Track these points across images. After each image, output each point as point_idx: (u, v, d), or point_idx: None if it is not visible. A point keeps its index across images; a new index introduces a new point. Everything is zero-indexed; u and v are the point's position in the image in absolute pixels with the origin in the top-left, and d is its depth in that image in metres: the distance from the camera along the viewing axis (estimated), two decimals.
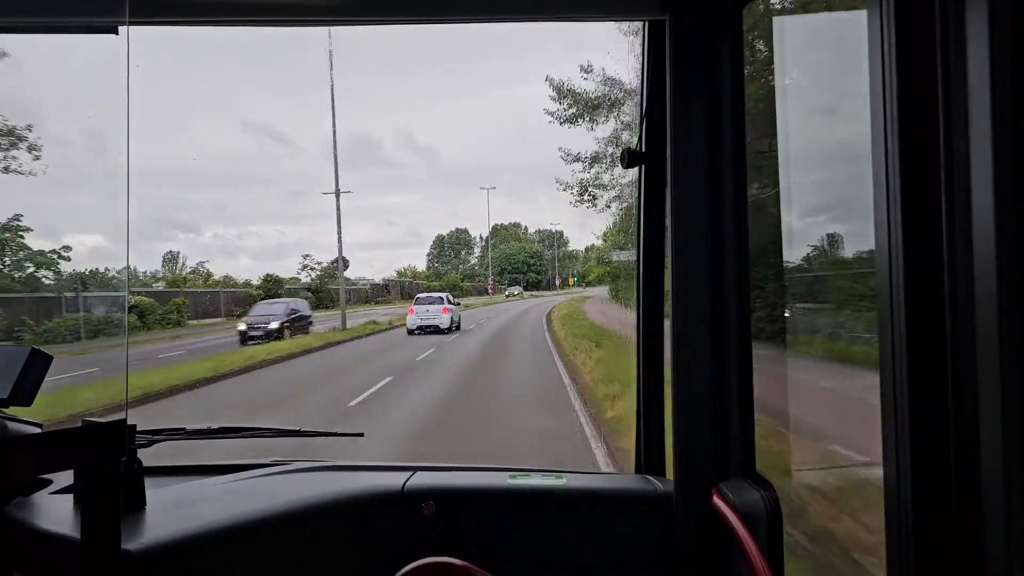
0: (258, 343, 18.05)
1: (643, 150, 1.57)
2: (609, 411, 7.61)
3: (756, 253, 1.44)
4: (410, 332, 19.91)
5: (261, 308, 22.09)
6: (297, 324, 20.83)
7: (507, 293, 56.62)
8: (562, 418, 8.04)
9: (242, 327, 19.63)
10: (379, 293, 52.18)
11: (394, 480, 1.54)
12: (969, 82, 0.60)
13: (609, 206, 14.12)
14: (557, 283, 70.60)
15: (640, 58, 1.57)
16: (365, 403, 9.05)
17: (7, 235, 19.93)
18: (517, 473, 1.60)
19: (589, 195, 13.99)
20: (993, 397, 0.58)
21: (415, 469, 1.62)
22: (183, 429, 1.56)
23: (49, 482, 1.34)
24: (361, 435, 1.96)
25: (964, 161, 0.61)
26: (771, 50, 1.77)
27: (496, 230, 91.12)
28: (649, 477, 1.59)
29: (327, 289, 40.68)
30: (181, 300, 27.16)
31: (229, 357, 14.43)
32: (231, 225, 78.18)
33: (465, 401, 9.56)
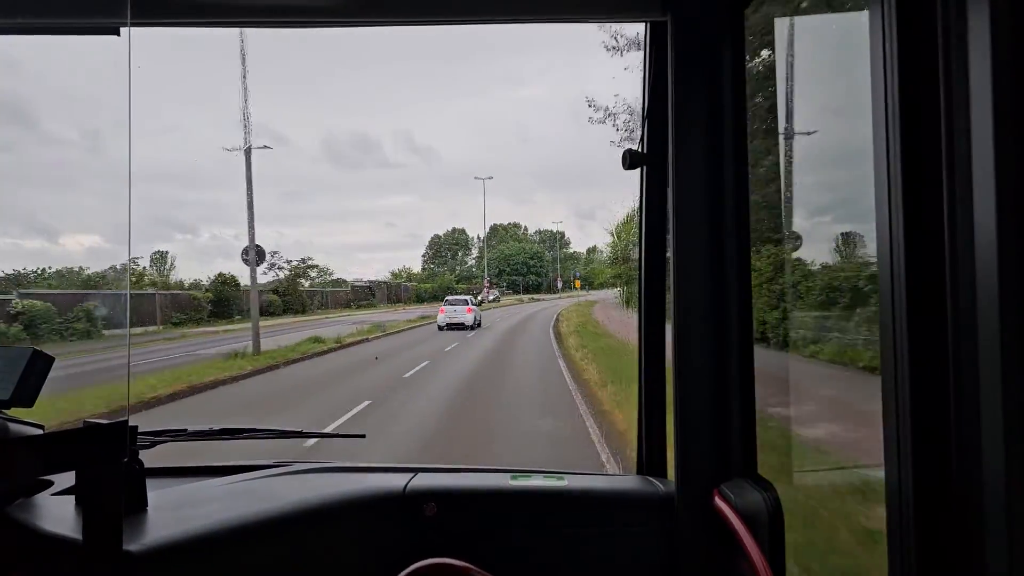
0: None
1: (644, 151, 1.58)
2: None
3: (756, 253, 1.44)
4: (440, 328, 23.40)
5: None
6: None
7: (480, 298, 45.27)
8: None
9: None
10: (361, 296, 47.42)
11: (396, 481, 1.54)
12: (971, 83, 0.60)
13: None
14: (559, 286, 69.75)
15: (642, 60, 1.58)
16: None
17: None
18: (519, 474, 1.60)
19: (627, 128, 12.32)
20: (994, 398, 0.58)
21: (417, 470, 1.62)
22: (185, 430, 1.56)
23: (51, 483, 1.33)
24: (363, 436, 1.97)
25: (966, 163, 0.61)
26: (772, 51, 1.79)
27: (494, 230, 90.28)
28: (650, 478, 1.59)
29: (297, 291, 37.46)
30: (92, 304, 20.97)
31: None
32: (228, 226, 77.97)
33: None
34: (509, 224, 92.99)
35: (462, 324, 23.39)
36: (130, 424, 1.15)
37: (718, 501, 1.29)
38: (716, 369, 1.33)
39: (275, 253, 40.47)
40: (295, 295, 37.22)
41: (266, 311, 32.82)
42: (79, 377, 10.69)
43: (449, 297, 28.34)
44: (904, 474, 0.68)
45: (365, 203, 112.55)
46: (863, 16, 0.74)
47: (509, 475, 1.59)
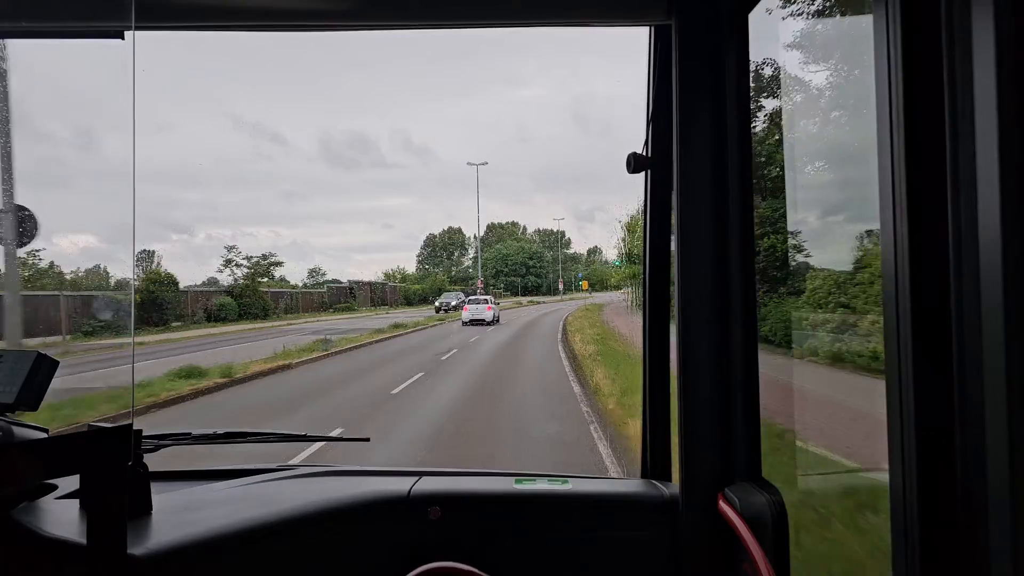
0: None
1: (649, 155, 1.57)
2: None
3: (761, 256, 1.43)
4: (464, 324, 26.51)
5: None
6: None
7: (439, 302, 41.56)
8: None
9: None
10: (339, 298, 41.66)
11: (400, 485, 1.55)
12: (975, 84, 0.60)
13: None
14: (560, 287, 65.54)
15: (647, 63, 1.57)
16: None
17: None
18: (523, 478, 1.60)
19: None
20: (999, 400, 0.58)
21: (421, 474, 1.62)
22: (189, 434, 1.56)
23: (55, 487, 1.34)
24: (367, 440, 1.98)
25: (970, 163, 0.61)
26: (776, 55, 1.81)
27: (492, 229, 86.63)
28: (655, 482, 1.59)
29: (256, 293, 31.24)
30: None
31: None
32: (225, 226, 75.08)
33: None
34: (507, 223, 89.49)
35: (482, 320, 26.97)
36: (134, 428, 1.15)
37: (722, 504, 1.29)
38: (720, 372, 1.33)
39: (232, 248, 34.37)
40: (254, 297, 31.21)
41: (217, 316, 27.91)
42: None
43: (471, 297, 33.02)
44: (908, 476, 0.68)
45: (363, 204, 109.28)
46: (867, 19, 0.74)
47: (513, 479, 1.59)
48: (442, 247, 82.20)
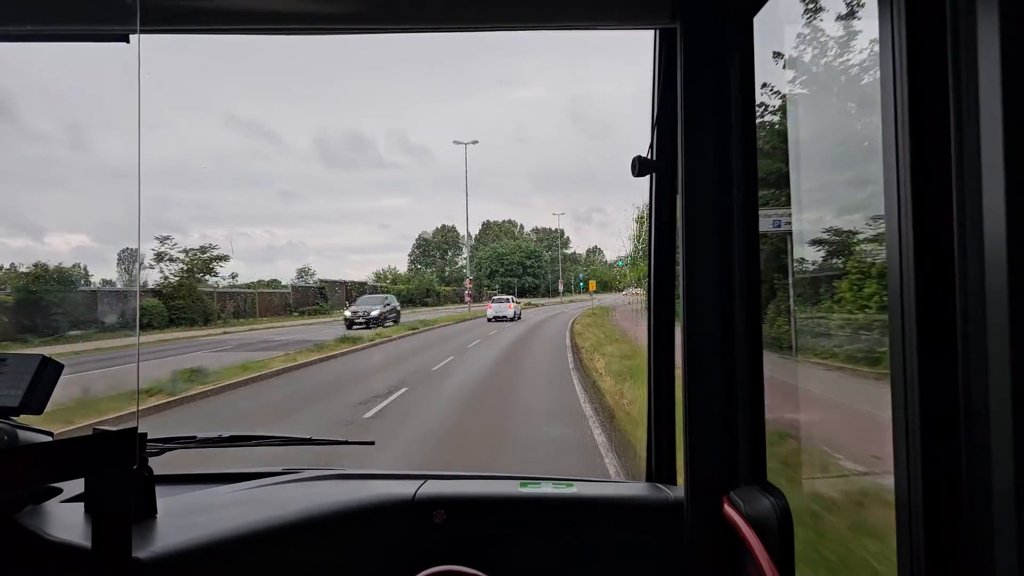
0: None
1: (654, 158, 1.58)
2: None
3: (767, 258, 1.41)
4: (489, 320, 29.58)
5: None
6: None
7: (350, 312, 26.66)
8: None
9: None
10: (308, 300, 35.20)
11: (405, 488, 1.55)
12: (980, 80, 0.60)
13: None
14: (560, 288, 60.38)
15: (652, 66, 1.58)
16: None
17: None
18: (528, 481, 1.61)
19: None
20: (1004, 399, 0.58)
21: (426, 477, 1.63)
22: (194, 437, 1.57)
23: (59, 490, 1.33)
24: (372, 443, 1.97)
25: (975, 160, 0.61)
26: (782, 57, 1.80)
27: (488, 227, 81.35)
28: (659, 485, 1.59)
29: (194, 294, 25.31)
30: None
31: None
32: (220, 226, 71.90)
33: None
34: (504, 221, 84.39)
35: (505, 316, 29.82)
36: (139, 431, 1.14)
37: (727, 508, 1.30)
38: (725, 376, 1.34)
39: (166, 239, 28.04)
40: (190, 299, 25.41)
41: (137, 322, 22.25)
42: None
43: (495, 296, 36.41)
44: (913, 477, 0.68)
45: (360, 204, 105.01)
46: (871, 21, 0.74)
47: (518, 482, 1.60)
48: (435, 246, 77.41)
